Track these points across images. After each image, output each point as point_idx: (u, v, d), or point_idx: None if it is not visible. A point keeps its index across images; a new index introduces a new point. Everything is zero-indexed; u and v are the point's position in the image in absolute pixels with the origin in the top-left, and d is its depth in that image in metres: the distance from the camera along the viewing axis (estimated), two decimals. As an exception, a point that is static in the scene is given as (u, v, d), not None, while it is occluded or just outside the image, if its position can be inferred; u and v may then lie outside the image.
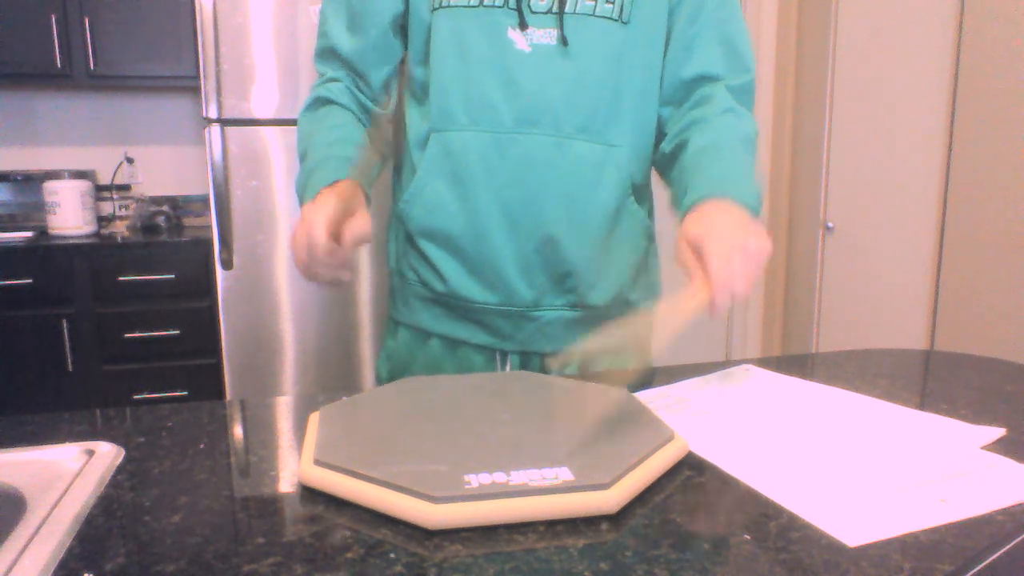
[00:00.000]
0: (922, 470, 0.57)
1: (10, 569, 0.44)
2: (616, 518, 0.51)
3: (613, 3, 0.86)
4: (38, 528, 0.49)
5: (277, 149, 2.17)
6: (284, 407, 0.78)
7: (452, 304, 0.93)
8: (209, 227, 2.32)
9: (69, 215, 2.51)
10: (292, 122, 2.16)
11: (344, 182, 0.81)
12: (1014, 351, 1.90)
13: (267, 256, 2.21)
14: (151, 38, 2.55)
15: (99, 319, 2.39)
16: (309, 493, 0.56)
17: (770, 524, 0.50)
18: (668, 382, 0.82)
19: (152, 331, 2.42)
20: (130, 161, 2.85)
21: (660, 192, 1.04)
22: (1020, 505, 0.51)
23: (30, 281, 2.34)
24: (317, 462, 0.56)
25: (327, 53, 0.95)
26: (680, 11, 0.90)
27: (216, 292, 2.20)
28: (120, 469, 0.61)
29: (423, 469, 0.53)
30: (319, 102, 0.93)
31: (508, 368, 0.94)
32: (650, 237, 0.98)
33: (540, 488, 0.51)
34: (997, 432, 0.65)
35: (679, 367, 0.89)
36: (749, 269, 0.68)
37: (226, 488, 0.57)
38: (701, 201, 0.76)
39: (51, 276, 2.35)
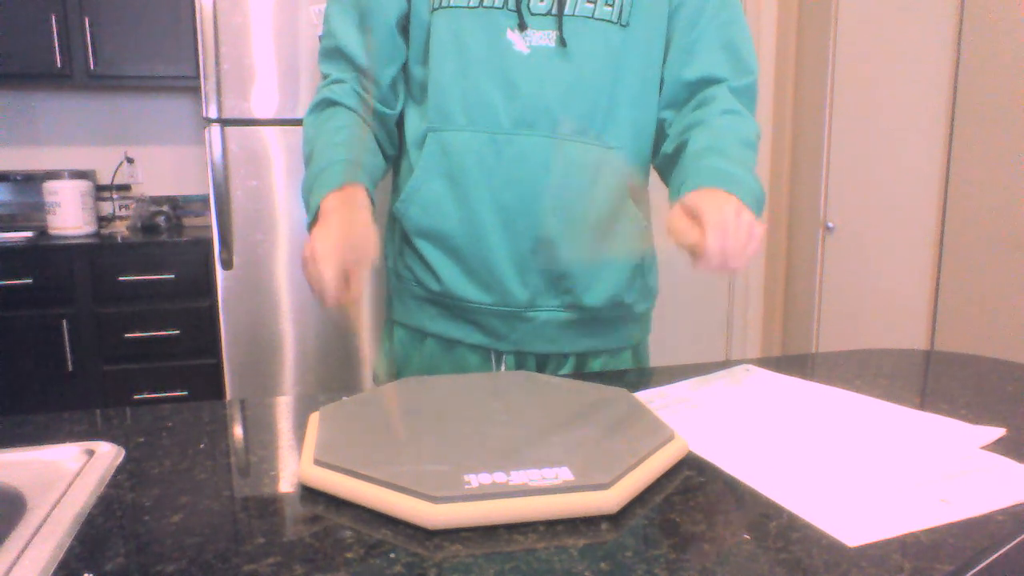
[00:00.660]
0: (922, 470, 0.57)
1: (10, 569, 0.44)
2: (616, 518, 0.51)
3: (612, 6, 0.86)
4: (38, 528, 0.49)
5: (277, 149, 2.17)
6: (284, 407, 0.78)
7: (447, 304, 0.93)
8: (209, 227, 2.32)
9: (69, 215, 2.51)
10: (292, 122, 2.16)
11: (349, 187, 0.80)
12: (1014, 351, 1.90)
13: (267, 256, 2.21)
14: (151, 38, 2.55)
15: (99, 319, 2.39)
16: (309, 493, 0.56)
17: (770, 524, 0.50)
18: (668, 382, 0.82)
19: (152, 331, 2.42)
20: (130, 161, 2.85)
21: (658, 194, 1.04)
22: (1020, 505, 0.51)
23: (30, 281, 2.34)
24: (317, 462, 0.56)
25: (334, 53, 0.94)
26: (680, 15, 0.90)
27: (216, 292, 2.20)
28: (120, 469, 0.61)
29: (423, 469, 0.53)
30: (324, 104, 0.93)
31: (503, 368, 0.94)
32: (647, 239, 0.98)
33: (540, 488, 0.51)
34: (997, 432, 0.65)
35: (679, 367, 0.89)
36: (743, 230, 0.70)
37: (226, 488, 0.57)
38: (697, 189, 0.77)
39: (51, 276, 2.35)
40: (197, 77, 2.17)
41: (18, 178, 2.70)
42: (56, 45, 2.47)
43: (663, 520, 0.51)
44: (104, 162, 2.85)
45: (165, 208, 2.76)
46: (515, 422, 0.63)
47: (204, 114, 2.12)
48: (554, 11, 0.85)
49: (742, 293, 2.95)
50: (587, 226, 0.89)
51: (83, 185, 2.54)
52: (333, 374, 2.30)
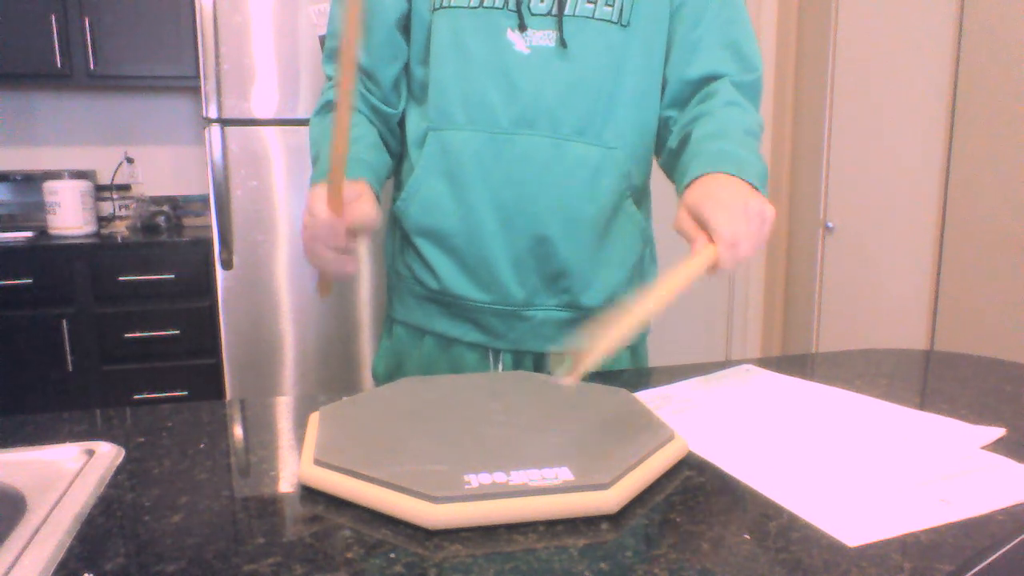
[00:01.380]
0: (922, 470, 0.57)
1: (10, 569, 0.44)
2: (616, 518, 0.51)
3: (613, 6, 0.86)
4: (38, 528, 0.49)
5: (277, 149, 2.17)
6: (284, 407, 0.78)
7: (446, 302, 0.93)
8: (209, 227, 2.32)
9: (69, 215, 2.51)
10: (292, 122, 2.16)
11: (355, 183, 0.80)
12: (1014, 351, 1.90)
13: (267, 256, 2.21)
14: (151, 38, 2.55)
15: (99, 319, 2.39)
16: (309, 493, 0.56)
17: (770, 524, 0.50)
18: (668, 382, 0.82)
19: (152, 331, 2.42)
20: (130, 161, 2.85)
21: (659, 194, 1.04)
22: (1020, 505, 0.51)
23: (30, 281, 2.34)
24: (317, 462, 0.56)
25: (337, 54, 0.95)
26: (682, 14, 0.90)
27: (216, 292, 2.20)
28: (120, 469, 0.61)
29: (423, 469, 0.53)
30: (330, 106, 0.93)
31: (501, 367, 0.94)
32: (647, 240, 0.98)
33: (540, 488, 0.51)
34: (997, 432, 0.65)
35: (679, 367, 0.89)
36: (753, 230, 0.68)
37: (226, 488, 0.57)
38: (704, 173, 0.75)
39: (51, 276, 2.35)
40: (197, 77, 2.17)
41: (18, 178, 2.70)
42: (56, 45, 2.47)
43: (663, 520, 0.51)
44: (104, 162, 2.85)
45: (165, 208, 2.76)
46: (515, 422, 0.63)
47: (204, 114, 2.12)
48: (554, 11, 0.85)
49: (742, 293, 2.95)
50: (586, 226, 0.89)
51: (83, 185, 2.54)
52: (333, 374, 2.30)
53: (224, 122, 2.12)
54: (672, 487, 0.56)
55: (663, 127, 0.94)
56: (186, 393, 2.47)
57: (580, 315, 0.93)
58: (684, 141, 0.87)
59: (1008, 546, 0.45)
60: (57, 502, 0.53)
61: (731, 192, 0.71)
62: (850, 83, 2.46)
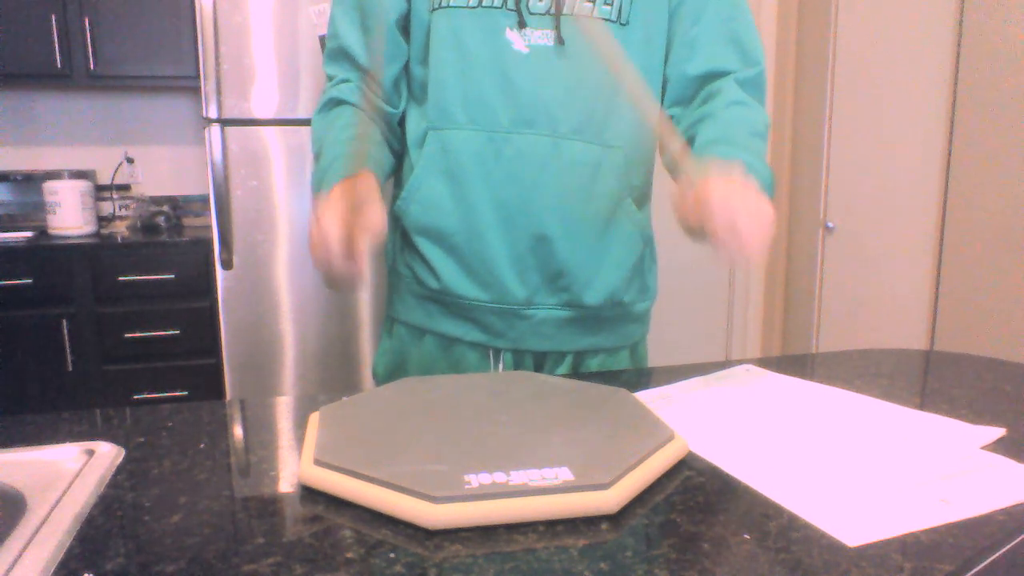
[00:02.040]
0: (922, 470, 0.57)
1: (10, 569, 0.44)
2: (616, 518, 0.51)
3: (611, 4, 0.86)
4: (38, 528, 0.49)
5: (277, 149, 2.17)
6: (284, 407, 0.78)
7: (446, 301, 0.93)
8: (209, 227, 2.32)
9: (69, 215, 2.51)
10: (292, 122, 2.16)
11: (358, 175, 0.81)
12: (1014, 351, 1.90)
13: (267, 256, 2.21)
14: (151, 38, 2.55)
15: (99, 319, 2.39)
16: (309, 493, 0.56)
17: (770, 524, 0.50)
18: (668, 382, 0.82)
19: (152, 331, 2.42)
20: (130, 161, 2.85)
21: (659, 194, 1.04)
22: (1020, 505, 0.51)
23: (30, 281, 2.34)
24: (317, 462, 0.56)
25: (338, 54, 0.95)
26: (682, 11, 0.90)
27: (216, 292, 2.20)
28: (120, 469, 0.61)
29: (423, 469, 0.53)
30: (332, 103, 0.93)
31: (501, 366, 0.94)
32: (648, 239, 0.98)
33: (540, 488, 0.50)
34: (997, 432, 0.65)
35: (679, 367, 0.89)
36: (753, 227, 0.68)
37: (226, 488, 0.57)
38: (707, 173, 0.75)
39: (51, 276, 2.35)
40: (197, 77, 2.17)
41: (18, 178, 2.70)
42: (56, 45, 2.47)
43: (663, 520, 0.51)
44: (104, 162, 2.85)
45: (165, 208, 2.76)
46: (515, 422, 0.63)
47: (204, 114, 2.12)
48: (553, 10, 0.85)
49: (742, 293, 2.95)
50: (586, 225, 0.89)
51: (83, 185, 2.54)
52: (333, 374, 2.30)
53: (224, 122, 2.12)
54: (672, 487, 0.56)
55: None
56: (186, 393, 2.47)
57: (580, 314, 0.93)
58: (688, 143, 0.87)
59: (1008, 546, 0.45)
60: (57, 502, 0.53)
61: (732, 190, 0.71)
62: (850, 83, 2.46)
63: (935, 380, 0.83)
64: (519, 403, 0.68)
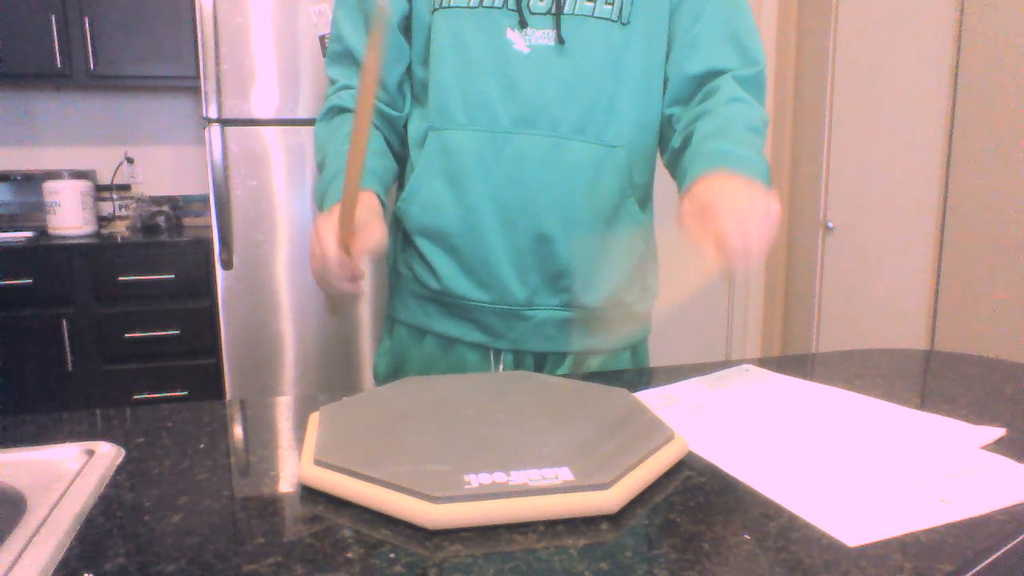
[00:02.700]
0: (922, 470, 0.57)
1: (10, 569, 0.44)
2: (616, 518, 0.51)
3: (612, 4, 0.86)
4: (38, 528, 0.49)
5: (277, 149, 2.17)
6: (284, 407, 0.78)
7: (446, 302, 0.93)
8: (209, 227, 2.32)
9: (69, 215, 2.51)
10: (292, 122, 2.16)
11: (364, 195, 0.81)
12: (1014, 351, 1.90)
13: (267, 256, 2.21)
14: (151, 38, 2.55)
15: (99, 319, 2.39)
16: (309, 493, 0.56)
17: (770, 524, 0.50)
18: (668, 382, 0.82)
19: (152, 331, 2.42)
20: (130, 161, 2.85)
21: (660, 194, 1.04)
22: (1020, 505, 0.51)
23: (30, 281, 2.34)
24: (317, 462, 0.56)
25: (342, 57, 0.94)
26: (683, 10, 0.90)
27: (216, 292, 2.20)
28: (120, 469, 0.61)
29: (423, 469, 0.53)
30: (334, 111, 0.93)
31: (502, 366, 0.94)
32: (650, 240, 0.98)
33: (540, 488, 0.50)
34: (997, 432, 0.65)
35: (679, 367, 0.89)
36: (762, 230, 0.68)
37: (226, 488, 0.57)
38: (706, 173, 0.75)
39: (51, 276, 2.35)
40: (197, 77, 2.17)
41: (18, 178, 2.69)
42: (56, 45, 2.47)
43: (663, 520, 0.51)
44: (104, 162, 2.85)
45: (165, 208, 2.76)
46: (515, 422, 0.63)
47: (204, 114, 2.12)
48: (553, 10, 0.85)
49: (742, 293, 2.95)
50: (586, 225, 0.89)
51: (83, 185, 2.54)
52: (333, 374, 2.30)
53: (224, 122, 2.12)
54: (672, 487, 0.56)
55: (666, 125, 0.94)
56: (186, 393, 2.47)
57: (581, 315, 0.93)
58: (687, 140, 0.86)
59: (1008, 546, 0.45)
60: (57, 502, 0.53)
61: (736, 192, 0.70)
62: (850, 83, 2.46)
63: (935, 380, 0.83)
64: (519, 403, 0.68)
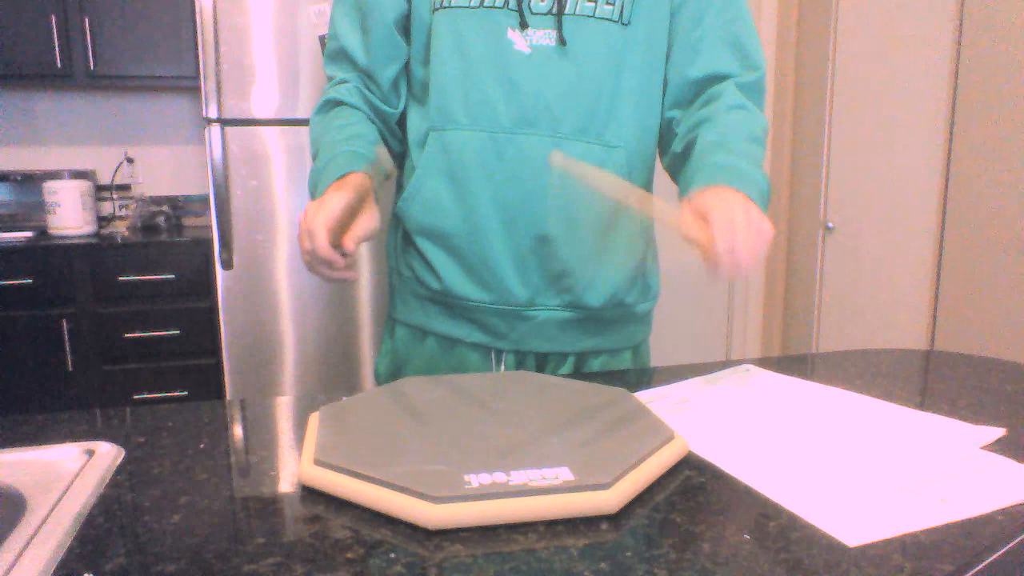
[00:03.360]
0: (922, 470, 0.57)
1: (10, 569, 0.44)
2: (616, 518, 0.51)
3: (613, 5, 0.86)
4: (38, 528, 0.49)
5: (277, 149, 2.17)
6: (284, 407, 0.78)
7: (448, 302, 0.93)
8: (209, 227, 2.32)
9: (69, 215, 2.51)
10: (292, 122, 2.16)
11: (353, 174, 0.82)
12: (1014, 351, 1.90)
13: (267, 256, 2.21)
14: (151, 38, 2.55)
15: (99, 319, 2.39)
16: (309, 493, 0.56)
17: (770, 524, 0.50)
18: (668, 382, 0.82)
19: (152, 331, 2.42)
20: (130, 161, 2.84)
21: (660, 194, 1.04)
22: (1020, 505, 0.51)
23: (30, 281, 2.34)
24: (317, 462, 0.56)
25: (338, 54, 0.95)
26: (684, 12, 0.90)
27: (216, 292, 2.20)
28: (120, 469, 0.61)
29: (423, 469, 0.53)
30: (330, 104, 0.94)
31: (503, 367, 0.94)
32: (649, 240, 0.98)
33: (540, 488, 0.50)
34: (997, 432, 0.65)
35: (679, 367, 0.89)
36: (752, 244, 0.69)
37: (226, 488, 0.57)
38: (706, 186, 0.76)
39: (51, 276, 2.35)
40: (197, 77, 2.17)
41: (18, 178, 2.69)
42: (56, 45, 2.47)
43: (663, 520, 0.51)
44: (104, 162, 2.85)
45: (165, 208, 2.76)
46: (515, 422, 0.63)
47: (204, 114, 2.12)
48: (554, 10, 0.85)
49: (742, 293, 2.95)
50: (588, 226, 0.89)
51: (83, 185, 2.54)
52: (333, 374, 2.30)
53: (224, 122, 2.12)
54: (672, 487, 0.56)
55: (667, 128, 0.94)
56: (186, 393, 2.47)
57: (582, 315, 0.93)
58: (688, 148, 0.87)
59: (1008, 546, 0.45)
60: (57, 502, 0.53)
61: (731, 207, 0.72)
62: (850, 83, 2.46)
63: (935, 380, 0.83)
64: (519, 403, 0.68)
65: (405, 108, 0.96)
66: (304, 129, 2.17)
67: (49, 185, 2.50)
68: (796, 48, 2.75)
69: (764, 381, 0.82)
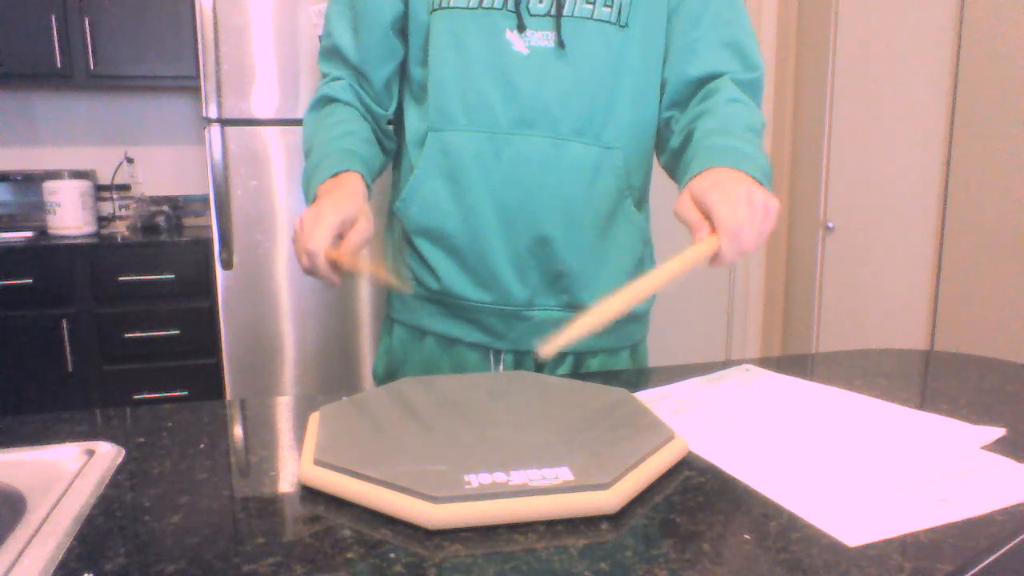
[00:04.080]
0: (922, 470, 0.57)
1: (10, 569, 0.44)
2: (616, 518, 0.51)
3: (611, 6, 0.86)
4: (38, 528, 0.49)
5: (277, 149, 2.17)
6: (284, 407, 0.78)
7: (446, 302, 0.93)
8: (209, 227, 2.32)
9: (69, 215, 2.51)
10: (292, 122, 2.16)
11: (346, 173, 0.82)
12: (1014, 351, 1.90)
13: (267, 256, 2.21)
14: (151, 38, 2.55)
15: (99, 319, 2.39)
16: (309, 493, 0.56)
17: (770, 524, 0.50)
18: (668, 382, 0.82)
19: (152, 331, 2.42)
20: (130, 161, 2.84)
21: (659, 194, 1.04)
22: (1020, 505, 0.51)
23: (30, 281, 2.34)
24: (317, 462, 0.56)
25: (331, 53, 0.95)
26: (681, 14, 0.90)
27: (216, 292, 2.20)
28: (120, 469, 0.61)
29: (423, 469, 0.53)
30: (323, 101, 0.94)
31: (502, 367, 0.94)
32: (647, 241, 0.98)
33: (540, 488, 0.50)
34: (997, 432, 0.65)
35: (679, 367, 0.89)
36: (757, 221, 0.68)
37: (226, 488, 0.57)
38: (707, 168, 0.75)
39: (51, 276, 2.35)
40: (197, 77, 2.17)
41: (18, 178, 2.69)
42: (56, 45, 2.47)
43: (663, 520, 0.51)
44: (104, 162, 2.85)
45: (165, 208, 2.76)
46: (515, 422, 0.63)
47: (204, 114, 2.12)
48: (553, 12, 0.85)
49: (742, 293, 2.95)
50: (586, 226, 0.89)
51: (83, 185, 2.54)
52: (333, 374, 2.30)
53: (224, 122, 2.12)
54: (672, 487, 0.56)
55: (664, 128, 0.94)
56: (186, 393, 2.47)
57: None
58: (687, 139, 0.87)
59: (1008, 546, 0.45)
60: (57, 502, 0.53)
61: (735, 183, 0.71)
62: (850, 83, 2.46)
63: (935, 380, 0.83)
64: (519, 403, 0.68)
65: (403, 108, 0.96)
66: (304, 129, 2.17)
67: (49, 185, 2.50)
68: (796, 48, 2.75)
69: (764, 381, 0.82)
